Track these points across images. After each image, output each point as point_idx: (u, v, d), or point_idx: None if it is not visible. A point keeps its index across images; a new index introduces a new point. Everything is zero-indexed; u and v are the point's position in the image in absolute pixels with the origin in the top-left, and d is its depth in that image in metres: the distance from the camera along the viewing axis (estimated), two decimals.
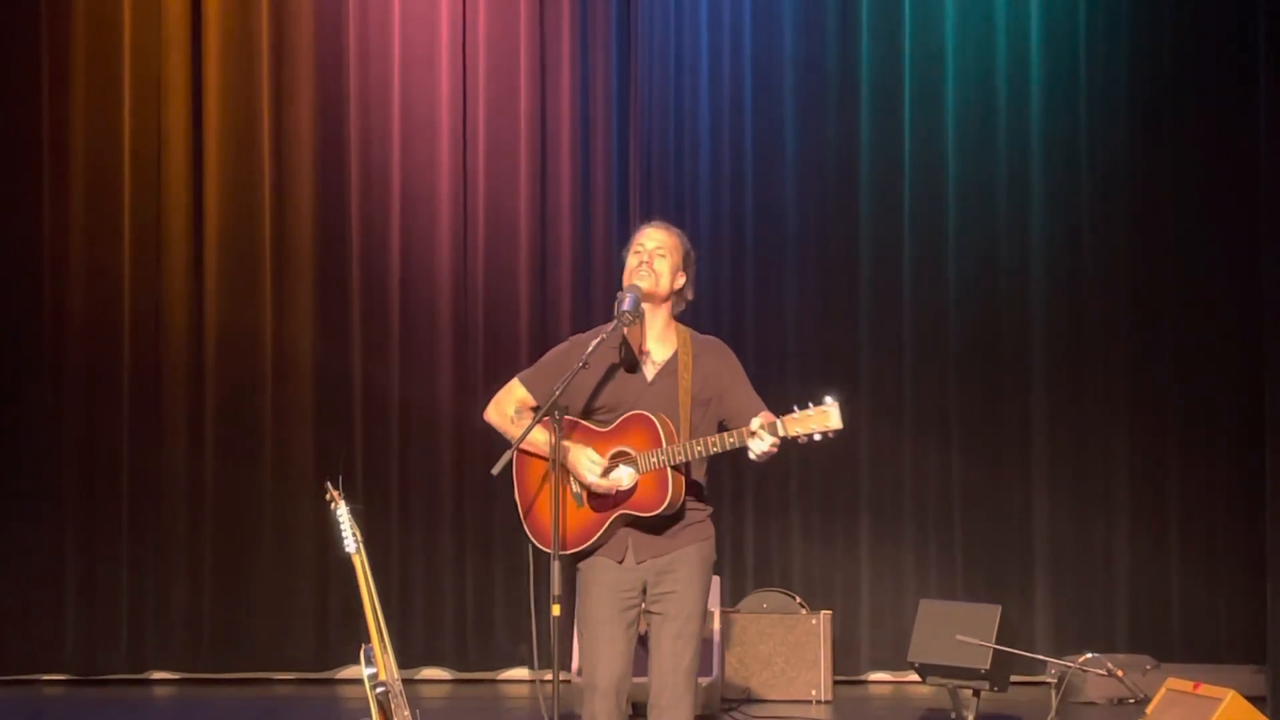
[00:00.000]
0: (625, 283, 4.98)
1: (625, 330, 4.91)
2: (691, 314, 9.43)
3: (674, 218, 9.42)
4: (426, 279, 9.66)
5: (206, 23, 9.58)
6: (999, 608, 7.58)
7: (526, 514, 4.95)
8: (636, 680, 4.91)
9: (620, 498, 4.82)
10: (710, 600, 8.01)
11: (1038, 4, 9.68)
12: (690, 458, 4.76)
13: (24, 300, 9.53)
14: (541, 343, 8.87)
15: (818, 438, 4.65)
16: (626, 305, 4.85)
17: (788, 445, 4.70)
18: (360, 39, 9.65)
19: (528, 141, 9.68)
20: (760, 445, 4.64)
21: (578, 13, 9.70)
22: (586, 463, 4.82)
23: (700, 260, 9.62)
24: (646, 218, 5.27)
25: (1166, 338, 9.57)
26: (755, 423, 4.67)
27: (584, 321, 8.82)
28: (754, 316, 9.70)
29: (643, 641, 4.95)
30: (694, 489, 4.93)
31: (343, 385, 9.59)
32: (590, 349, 4.80)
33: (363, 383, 9.60)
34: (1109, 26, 9.67)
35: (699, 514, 4.97)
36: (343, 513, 5.93)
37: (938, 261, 9.68)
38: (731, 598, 9.00)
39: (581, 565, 4.93)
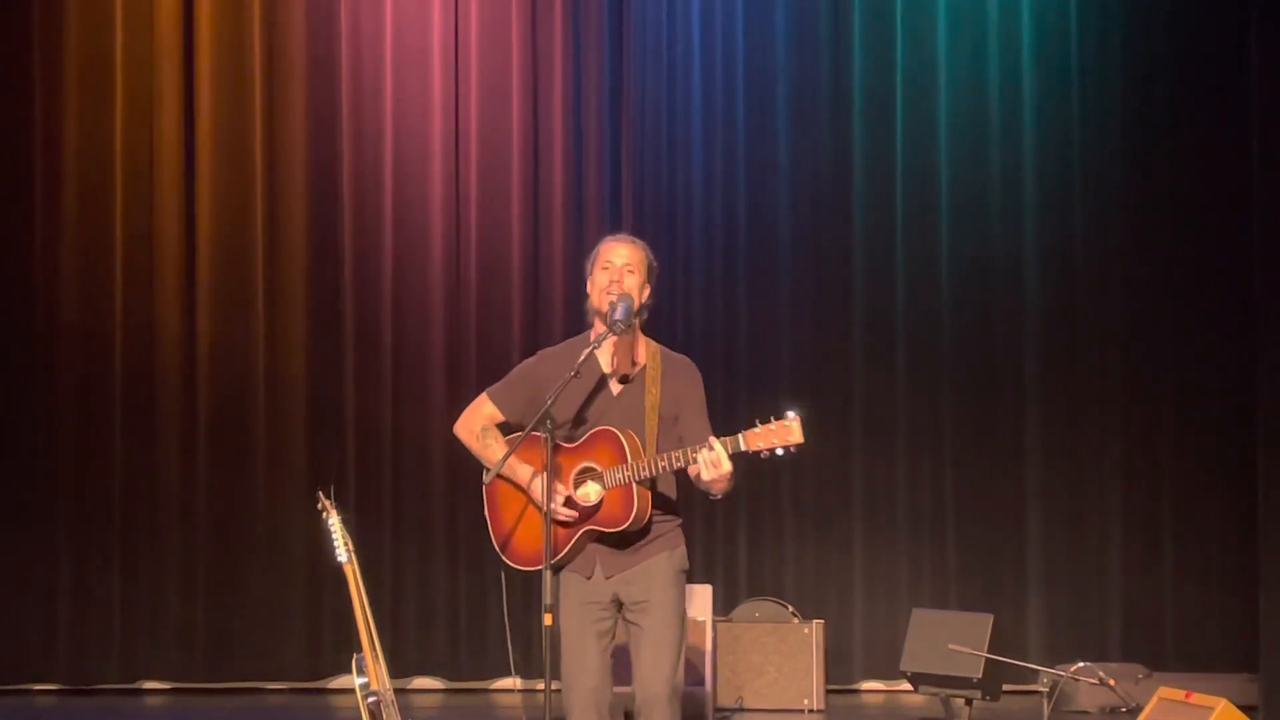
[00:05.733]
0: (594, 299, 4.99)
1: (615, 339, 4.90)
2: (684, 323, 9.40)
3: (666, 227, 9.51)
4: (419, 288, 9.66)
5: (198, 33, 9.59)
6: (991, 616, 7.59)
7: (497, 534, 4.98)
8: (623, 690, 4.92)
9: (587, 513, 4.83)
10: (703, 609, 8.10)
11: (1029, 13, 9.71)
12: (655, 473, 4.77)
13: (17, 311, 9.53)
14: (534, 353, 8.87)
15: (780, 452, 4.64)
16: (619, 315, 4.85)
17: (765, 458, 4.69)
18: (352, 48, 9.66)
19: (520, 151, 9.69)
20: (711, 455, 4.63)
21: (570, 21, 9.71)
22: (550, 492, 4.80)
23: (692, 270, 9.72)
24: (639, 229, 5.27)
25: (1160, 347, 9.58)
26: (714, 439, 4.66)
27: (577, 332, 8.83)
28: (747, 325, 9.70)
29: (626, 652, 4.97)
30: (662, 501, 4.93)
31: (335, 394, 9.60)
32: (581, 358, 4.80)
33: (355, 392, 9.61)
34: (1101, 35, 9.70)
35: (668, 525, 4.98)
36: (334, 523, 5.94)
37: (931, 271, 9.69)
38: (724, 607, 8.99)
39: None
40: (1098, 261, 9.65)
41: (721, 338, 9.57)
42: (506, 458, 4.86)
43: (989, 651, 7.42)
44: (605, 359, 4.99)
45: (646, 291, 5.04)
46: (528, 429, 4.82)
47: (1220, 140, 9.35)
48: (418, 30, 9.69)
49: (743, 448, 4.66)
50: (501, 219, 9.69)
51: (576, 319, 9.38)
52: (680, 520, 5.03)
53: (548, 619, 4.67)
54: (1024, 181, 9.69)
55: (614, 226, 9.42)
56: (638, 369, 4.98)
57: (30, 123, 9.55)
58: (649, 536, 4.92)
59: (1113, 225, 9.64)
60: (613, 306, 4.89)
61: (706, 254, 9.71)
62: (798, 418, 4.63)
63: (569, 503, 4.84)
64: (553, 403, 4.75)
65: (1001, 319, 9.66)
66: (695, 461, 4.69)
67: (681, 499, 5.07)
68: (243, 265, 9.61)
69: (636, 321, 5.00)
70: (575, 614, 4.92)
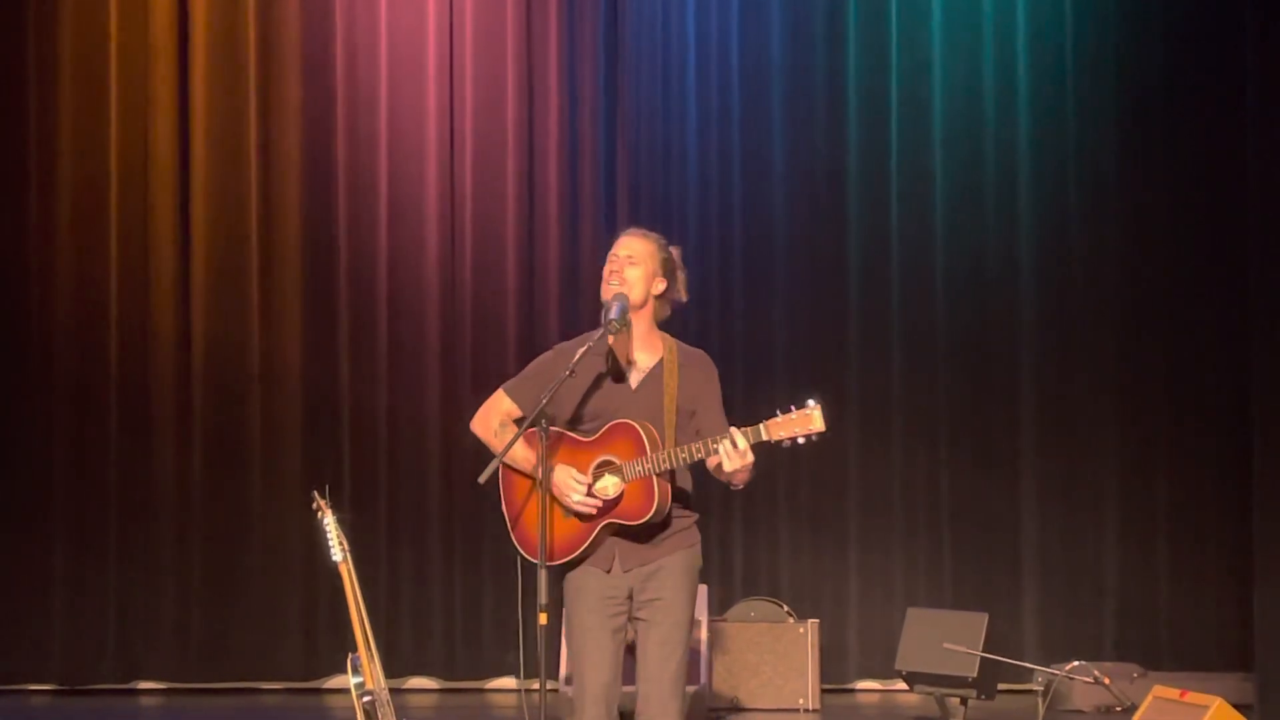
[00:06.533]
0: (602, 291, 4.99)
1: (612, 339, 4.91)
2: (680, 324, 9.43)
3: (661, 227, 9.37)
4: (414, 290, 9.66)
5: (194, 33, 9.58)
6: (986, 616, 7.60)
7: (514, 527, 4.96)
8: (625, 689, 4.92)
9: (607, 506, 4.82)
10: (698, 609, 8.06)
11: (1025, 14, 9.71)
12: (675, 465, 4.76)
13: (12, 312, 9.52)
14: (529, 353, 8.80)
15: (801, 441, 4.65)
16: (613, 314, 4.85)
17: (773, 450, 4.70)
18: (347, 49, 9.66)
19: (515, 152, 9.68)
20: (732, 448, 4.63)
21: (565, 23, 9.71)
22: (571, 482, 4.81)
23: (687, 270, 9.71)
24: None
25: (1155, 345, 9.59)
26: (734, 430, 4.67)
27: (572, 332, 8.84)
28: (742, 326, 9.71)
29: (631, 650, 4.96)
30: (680, 495, 4.93)
31: (330, 395, 9.59)
32: (576, 358, 4.80)
33: (350, 392, 9.60)
34: (1096, 36, 9.71)
35: (685, 520, 4.96)
36: (329, 522, 5.94)
37: (926, 271, 9.70)
38: (719, 606, 8.99)
39: (569, 575, 4.94)
40: (1093, 260, 9.66)
41: (716, 337, 9.55)
42: (502, 456, 4.83)
43: (984, 650, 7.42)
44: (619, 354, 4.98)
45: (661, 285, 5.01)
46: (524, 426, 4.81)
47: (1216, 140, 9.36)
48: (413, 29, 9.69)
49: (764, 437, 4.66)
50: (496, 220, 9.69)
51: (571, 319, 9.45)
52: (697, 516, 5.02)
53: (543, 618, 4.67)
54: (1019, 181, 9.69)
55: (609, 227, 9.42)
56: (634, 366, 4.97)
57: (25, 122, 9.54)
58: (668, 531, 4.90)
59: (1108, 225, 9.65)
60: (606, 306, 4.90)
61: (701, 254, 9.70)
62: (818, 405, 4.63)
63: (589, 492, 4.83)
64: (547, 401, 4.75)
65: (996, 318, 9.67)
66: (715, 453, 4.69)
67: (696, 495, 5.05)
68: (238, 265, 9.60)
69: (645, 313, 4.98)
70: (592, 609, 4.89)
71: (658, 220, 9.47)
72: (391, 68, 9.69)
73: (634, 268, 4.98)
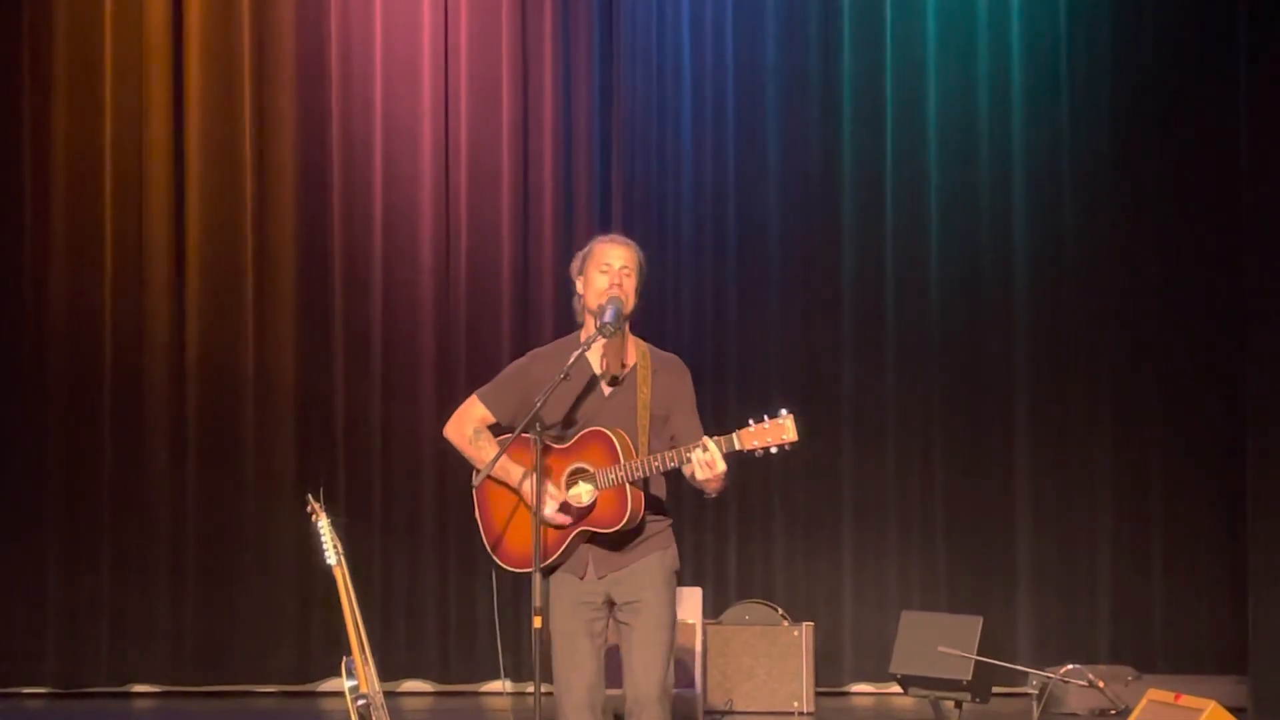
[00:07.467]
0: (591, 300, 4.97)
1: (606, 342, 4.91)
2: (674, 326, 9.42)
3: (655, 228, 9.51)
4: (409, 292, 9.66)
5: (188, 37, 9.57)
6: (981, 619, 7.58)
7: (488, 535, 4.98)
8: (614, 692, 4.93)
9: (580, 514, 4.83)
10: (692, 612, 8.10)
11: (1019, 15, 9.73)
12: (648, 473, 4.77)
13: (5, 316, 9.50)
14: (524, 354, 8.86)
15: (774, 450, 4.65)
16: (609, 317, 4.86)
17: (754, 458, 4.69)
18: (342, 52, 9.65)
19: (510, 154, 9.68)
20: (705, 456, 4.63)
21: (560, 25, 9.72)
22: (543, 495, 4.81)
23: (681, 272, 9.74)
24: (629, 230, 5.28)
25: (1150, 350, 9.60)
26: (707, 440, 4.67)
27: (567, 333, 8.85)
28: (736, 328, 9.71)
29: (616, 653, 4.97)
30: (653, 502, 4.93)
31: (324, 398, 9.59)
32: (571, 362, 4.81)
33: (345, 395, 9.60)
34: (1090, 37, 9.72)
35: (658, 525, 4.98)
36: (324, 526, 5.93)
37: (920, 273, 9.70)
38: (714, 610, 8.99)
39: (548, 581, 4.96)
40: (1088, 262, 9.67)
41: (711, 340, 9.57)
42: (496, 460, 4.85)
43: (978, 654, 7.41)
44: (596, 360, 4.99)
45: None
46: (517, 431, 4.81)
47: (1209, 143, 9.38)
48: (407, 32, 9.68)
49: (737, 447, 4.66)
50: (491, 221, 9.69)
51: (566, 320, 9.36)
52: (671, 521, 5.03)
53: (537, 621, 4.68)
54: (1013, 184, 9.70)
55: (604, 228, 9.36)
56: (627, 370, 4.98)
57: (19, 126, 9.53)
58: (641, 536, 4.91)
59: (1102, 228, 9.66)
60: (601, 310, 4.90)
61: (696, 256, 9.71)
62: (791, 415, 4.63)
63: (564, 507, 4.83)
64: (542, 405, 4.75)
65: (991, 321, 9.67)
66: (689, 461, 4.69)
67: (671, 499, 5.06)
68: (232, 269, 9.59)
69: (626, 323, 5.00)
70: (569, 614, 4.92)
71: (652, 222, 9.51)
72: (386, 70, 9.68)
73: (629, 279, 5.00)
